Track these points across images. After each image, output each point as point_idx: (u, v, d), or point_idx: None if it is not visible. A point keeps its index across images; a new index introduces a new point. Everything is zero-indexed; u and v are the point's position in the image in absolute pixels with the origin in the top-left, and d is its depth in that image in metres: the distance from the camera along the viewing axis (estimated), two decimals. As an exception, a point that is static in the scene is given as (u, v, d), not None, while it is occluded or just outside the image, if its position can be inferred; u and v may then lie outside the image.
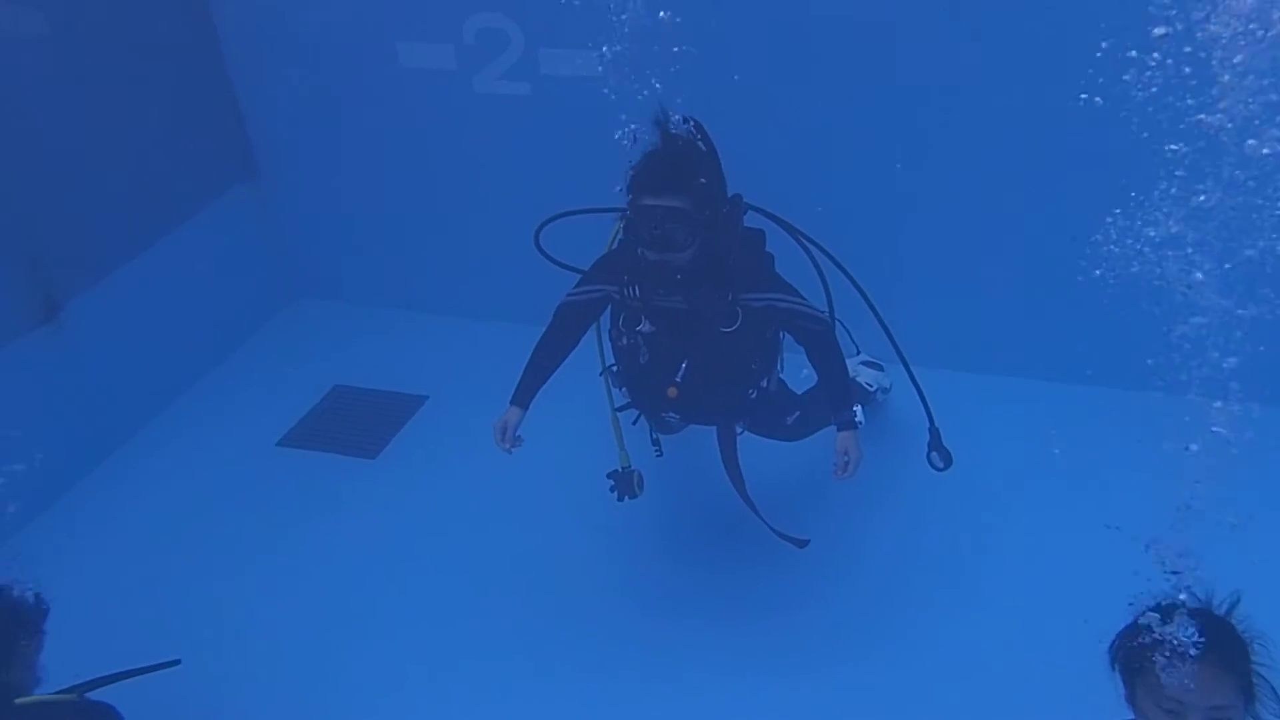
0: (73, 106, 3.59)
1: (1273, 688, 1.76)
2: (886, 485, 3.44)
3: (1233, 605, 1.80)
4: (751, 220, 3.02)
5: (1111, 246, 3.39)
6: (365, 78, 4.07)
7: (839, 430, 2.93)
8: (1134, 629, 1.83)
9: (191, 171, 4.11)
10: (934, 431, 3.14)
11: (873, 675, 2.88)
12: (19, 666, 2.11)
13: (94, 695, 2.24)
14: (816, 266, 3.12)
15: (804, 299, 2.91)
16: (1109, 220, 3.49)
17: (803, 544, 3.07)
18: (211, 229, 4.20)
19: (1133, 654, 1.81)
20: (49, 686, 2.24)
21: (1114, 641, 1.86)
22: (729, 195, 2.83)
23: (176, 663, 2.40)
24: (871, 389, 3.64)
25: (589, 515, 3.41)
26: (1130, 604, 1.87)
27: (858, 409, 3.03)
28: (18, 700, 2.05)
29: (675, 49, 2.78)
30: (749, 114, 3.50)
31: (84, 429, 3.72)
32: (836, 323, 3.11)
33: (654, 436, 3.26)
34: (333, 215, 4.44)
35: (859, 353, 3.65)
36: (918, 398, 3.12)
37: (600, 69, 3.63)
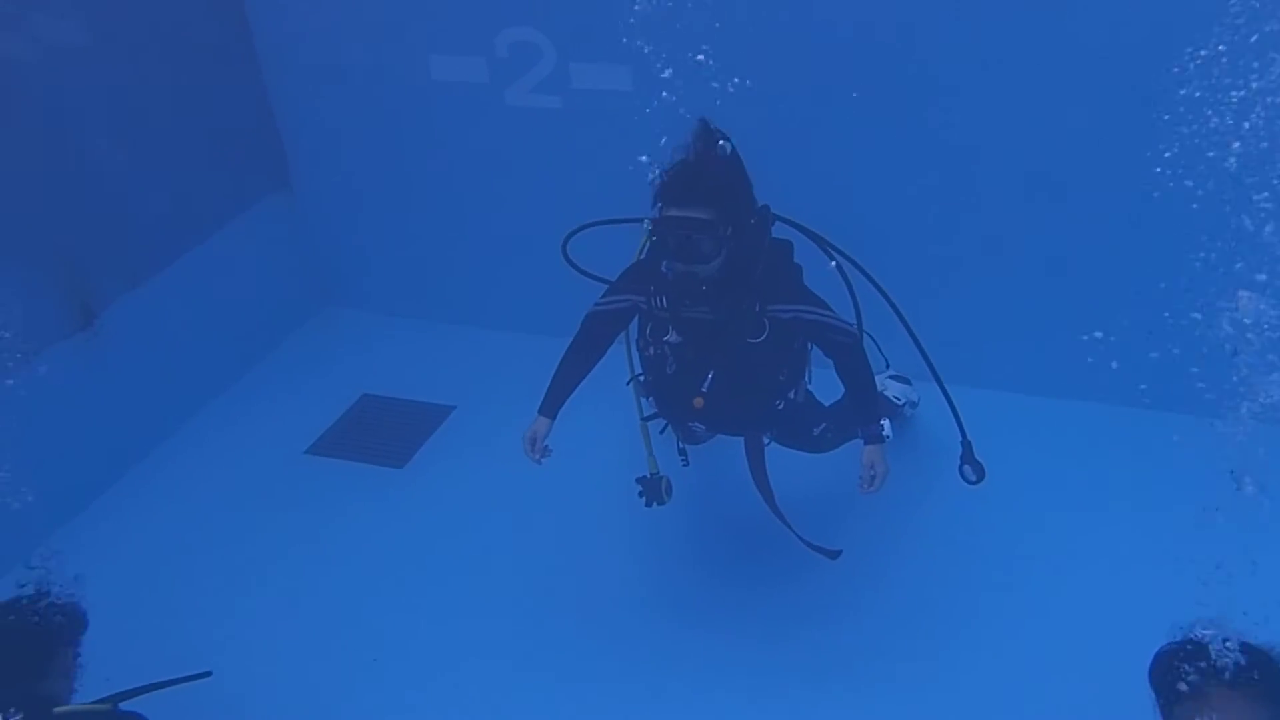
0: (113, 116, 3.64)
1: None
2: (915, 500, 3.42)
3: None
4: (779, 231, 3.01)
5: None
6: (398, 90, 4.10)
7: (865, 444, 2.93)
8: (1172, 653, 1.82)
9: (226, 181, 4.16)
10: (966, 444, 3.12)
11: (898, 693, 2.86)
12: (57, 676, 2.14)
13: (126, 705, 2.27)
14: (845, 278, 3.10)
15: (832, 311, 2.90)
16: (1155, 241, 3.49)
17: (835, 555, 3.05)
18: (244, 238, 4.24)
19: (1170, 679, 1.79)
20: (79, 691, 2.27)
21: (1152, 665, 1.84)
22: (757, 206, 2.83)
23: (208, 674, 2.42)
24: (900, 403, 3.62)
25: (615, 525, 3.42)
26: (1169, 630, 1.86)
27: (885, 423, 3.02)
28: (56, 710, 2.08)
29: (700, 57, 2.80)
30: (778, 125, 3.51)
31: (117, 433, 3.77)
32: (865, 336, 3.09)
33: (680, 446, 3.26)
34: (363, 225, 4.47)
35: (888, 367, 3.64)
36: (947, 413, 3.10)
37: (630, 84, 3.69)
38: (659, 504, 3.10)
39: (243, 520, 3.61)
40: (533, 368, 3.07)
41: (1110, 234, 3.51)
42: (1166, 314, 3.45)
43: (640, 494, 3.10)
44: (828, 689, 2.90)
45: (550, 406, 2.95)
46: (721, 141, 2.72)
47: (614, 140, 3.67)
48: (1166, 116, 2.62)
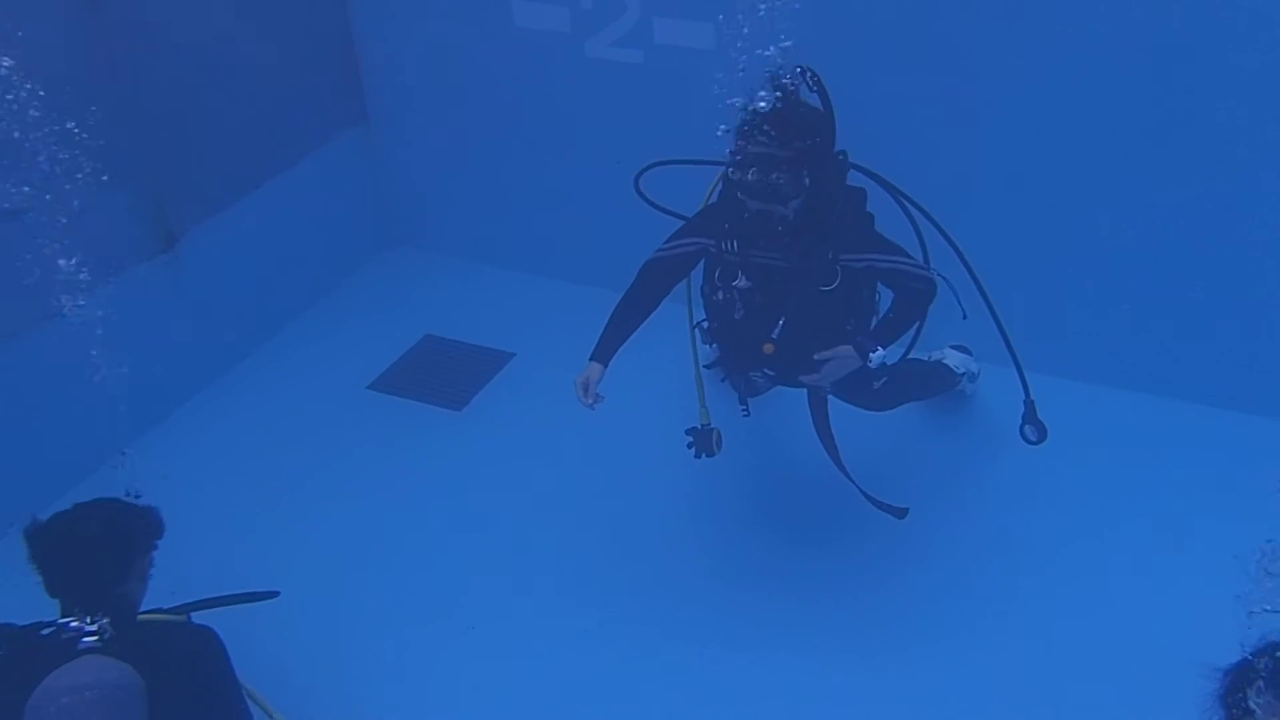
0: (202, 49, 3.70)
1: None
2: (971, 474, 3.43)
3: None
4: (853, 179, 2.95)
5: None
6: (479, 33, 4.10)
7: (853, 346, 2.78)
8: (1243, 667, 1.77)
9: (306, 115, 4.22)
10: (1029, 404, 3.10)
11: (932, 666, 2.88)
12: (136, 580, 2.24)
13: (196, 617, 2.37)
14: (918, 232, 3.04)
15: (909, 257, 2.86)
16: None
17: (902, 514, 3.02)
18: (320, 172, 4.30)
19: (1238, 694, 1.76)
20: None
21: (1222, 680, 1.80)
22: (836, 151, 2.79)
23: (275, 594, 2.50)
24: (959, 373, 3.55)
25: (670, 477, 3.44)
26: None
27: (880, 352, 2.80)
28: (139, 616, 2.19)
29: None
30: (863, 98, 3.46)
31: (189, 356, 3.87)
32: (943, 282, 2.99)
33: (742, 397, 3.25)
34: (438, 167, 4.50)
35: (965, 317, 3.54)
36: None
37: (713, 43, 3.66)
38: (708, 455, 3.11)
39: (304, 450, 3.69)
40: (595, 321, 3.08)
41: (1208, 232, 3.42)
42: (1260, 318, 3.41)
43: (690, 445, 3.11)
44: (866, 654, 2.92)
45: (603, 353, 2.92)
46: (809, 81, 2.68)
47: (692, 99, 3.65)
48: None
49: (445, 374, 4.07)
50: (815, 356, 2.77)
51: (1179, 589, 3.02)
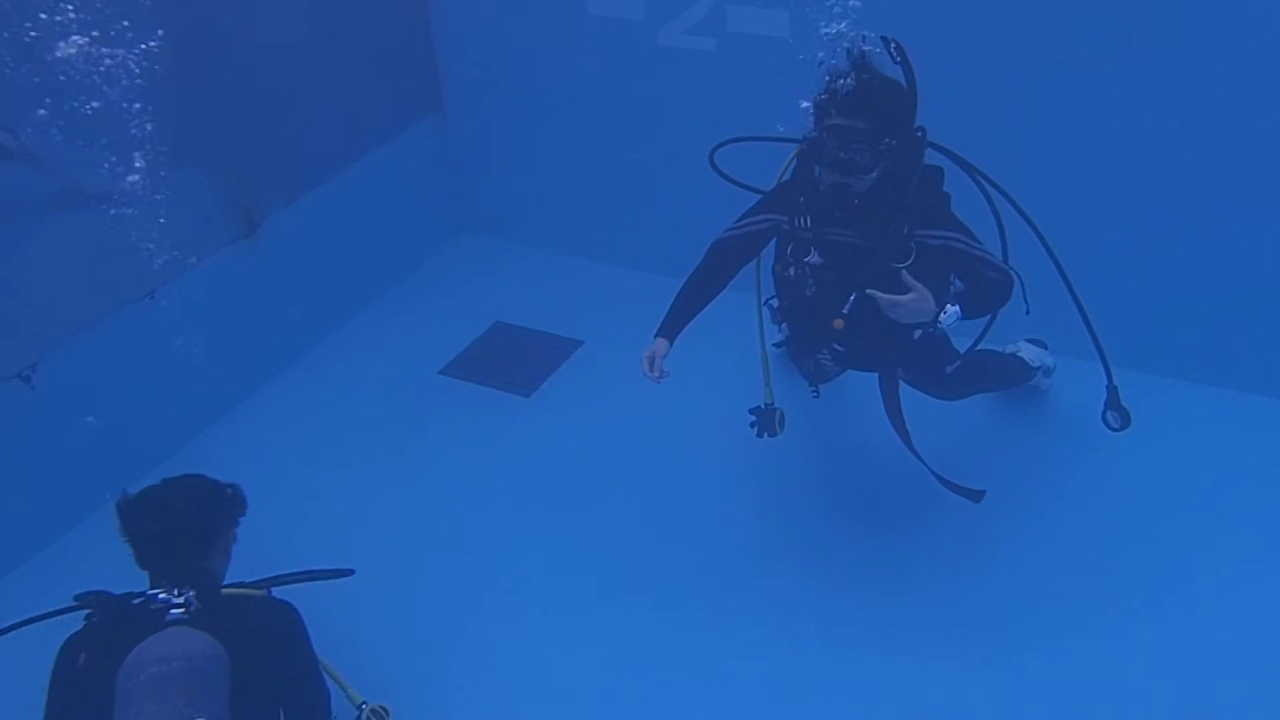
0: (283, 40, 3.79)
1: None
2: (1049, 470, 3.36)
3: None
4: (931, 158, 2.88)
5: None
6: (554, 22, 4.12)
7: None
8: None
9: (383, 103, 4.29)
10: (1112, 389, 3.02)
11: (1003, 672, 2.83)
12: (219, 554, 2.32)
13: (276, 592, 2.44)
14: (996, 214, 2.95)
15: (983, 245, 2.80)
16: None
17: (978, 497, 2.96)
18: (396, 160, 4.37)
19: None
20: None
21: None
22: (915, 126, 2.74)
23: (351, 572, 2.56)
24: (1034, 366, 3.48)
25: (736, 464, 3.45)
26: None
27: (957, 309, 2.70)
28: (223, 589, 2.27)
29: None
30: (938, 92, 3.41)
31: (268, 339, 3.97)
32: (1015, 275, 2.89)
33: (811, 381, 3.22)
34: (511, 155, 4.54)
35: (1028, 313, 3.46)
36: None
37: (788, 31, 3.62)
38: (770, 435, 3.10)
39: (376, 431, 3.77)
40: (664, 310, 3.08)
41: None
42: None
43: (752, 424, 3.10)
44: (927, 655, 2.87)
45: (669, 329, 2.92)
46: (893, 52, 2.64)
47: (766, 88, 3.63)
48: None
49: (514, 360, 4.12)
50: (903, 278, 2.62)
51: (1262, 592, 2.94)
